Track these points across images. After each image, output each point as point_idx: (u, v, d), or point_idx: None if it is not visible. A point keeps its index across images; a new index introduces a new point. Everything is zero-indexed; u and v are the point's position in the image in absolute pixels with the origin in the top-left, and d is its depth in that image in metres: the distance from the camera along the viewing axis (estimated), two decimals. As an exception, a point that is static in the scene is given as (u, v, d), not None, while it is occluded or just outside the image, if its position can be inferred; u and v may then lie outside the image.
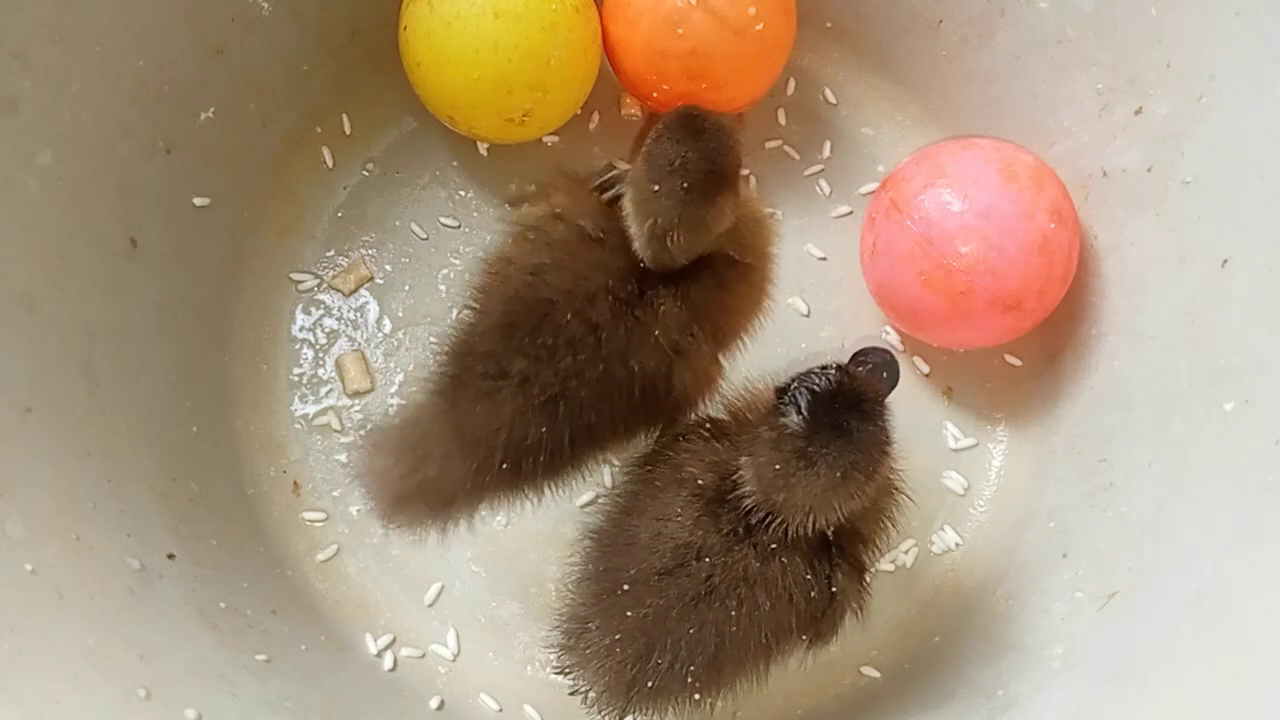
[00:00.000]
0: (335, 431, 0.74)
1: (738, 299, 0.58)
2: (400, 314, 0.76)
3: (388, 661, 0.70)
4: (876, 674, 0.69)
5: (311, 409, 0.75)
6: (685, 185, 0.52)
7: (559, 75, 0.70)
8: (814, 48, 0.80)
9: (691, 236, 0.53)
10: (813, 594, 0.54)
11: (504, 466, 0.54)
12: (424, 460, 0.55)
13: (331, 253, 0.77)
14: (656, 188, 0.53)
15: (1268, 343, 0.57)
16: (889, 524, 0.56)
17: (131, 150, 0.67)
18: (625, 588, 0.54)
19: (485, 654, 0.71)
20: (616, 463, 0.70)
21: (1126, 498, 0.63)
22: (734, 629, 0.53)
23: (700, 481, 0.54)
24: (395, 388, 0.75)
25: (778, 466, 0.50)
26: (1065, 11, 0.68)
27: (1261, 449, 0.55)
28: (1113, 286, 0.69)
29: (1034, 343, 0.73)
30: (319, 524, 0.73)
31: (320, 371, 0.75)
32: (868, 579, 0.57)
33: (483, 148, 0.79)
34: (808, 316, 0.77)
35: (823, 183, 0.79)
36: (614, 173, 0.57)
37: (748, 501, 0.52)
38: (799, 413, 0.50)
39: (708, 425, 0.57)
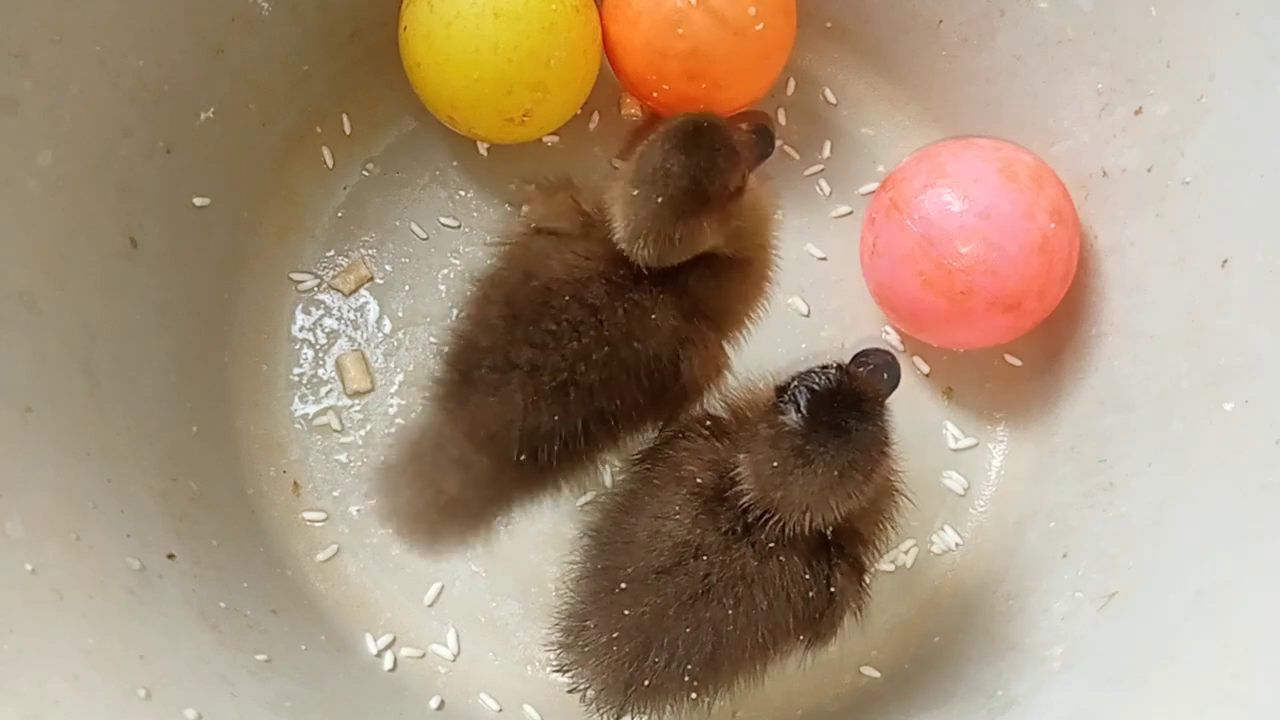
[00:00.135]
0: (335, 431, 0.74)
1: (735, 290, 0.58)
2: (400, 314, 0.76)
3: (388, 661, 0.70)
4: (876, 674, 0.69)
5: (311, 409, 0.75)
6: (660, 198, 0.52)
7: (559, 75, 0.70)
8: (814, 48, 0.80)
9: (661, 247, 0.53)
10: (811, 594, 0.54)
11: (521, 459, 0.54)
12: (443, 478, 0.55)
13: (331, 253, 0.77)
14: (635, 192, 0.53)
15: (1268, 343, 0.57)
16: (888, 525, 0.56)
17: (131, 150, 0.67)
18: (623, 586, 0.54)
19: (485, 654, 0.71)
20: (616, 463, 0.70)
21: (1126, 498, 0.63)
22: (731, 628, 0.53)
23: (699, 480, 0.54)
24: (395, 388, 0.75)
25: (775, 464, 0.50)
26: (1065, 11, 0.68)
27: (1261, 449, 0.55)
28: (1113, 286, 0.69)
29: (1034, 343, 0.73)
30: (319, 524, 0.73)
31: (320, 371, 0.75)
32: (867, 579, 0.57)
33: (483, 148, 0.79)
34: (808, 316, 0.77)
35: (823, 183, 0.79)
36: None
37: (745, 499, 0.52)
38: (798, 411, 0.50)
39: (707, 423, 0.57)
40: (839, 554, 0.55)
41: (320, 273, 0.77)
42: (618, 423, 0.56)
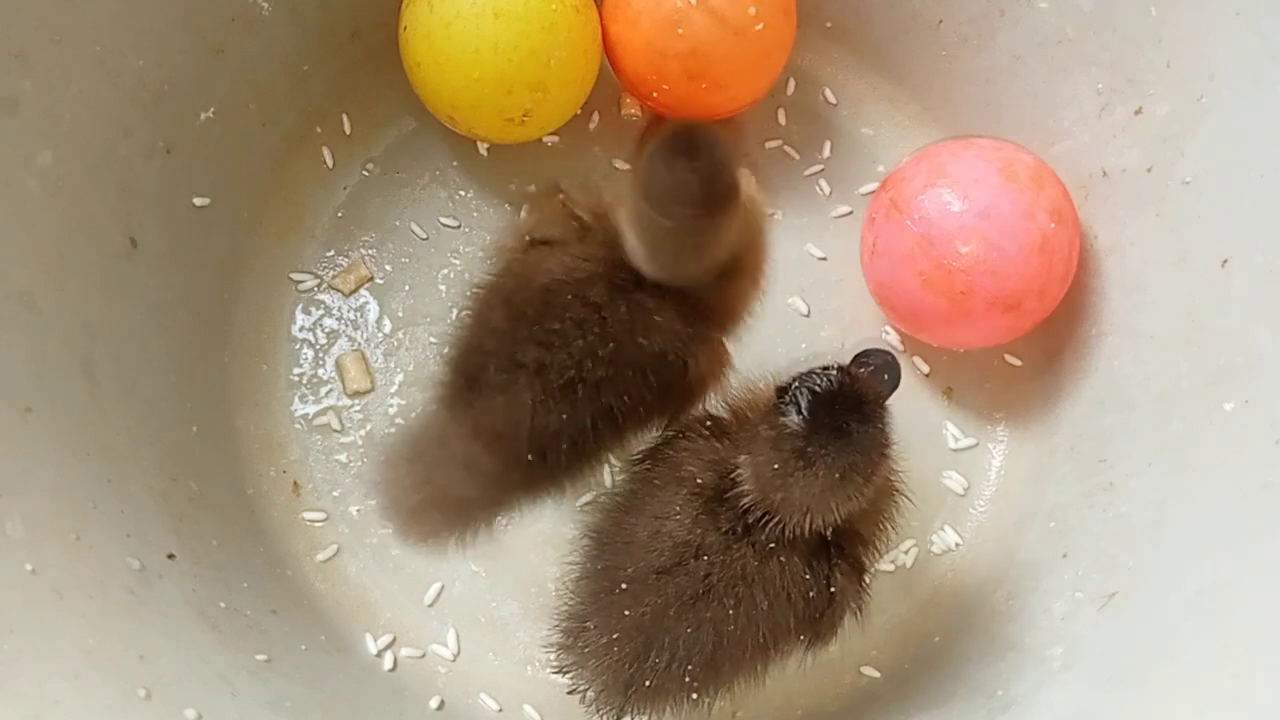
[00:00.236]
0: (335, 431, 0.74)
1: (734, 288, 0.58)
2: (400, 314, 0.76)
3: (388, 661, 0.70)
4: (876, 674, 0.69)
5: (311, 409, 0.75)
6: (684, 241, 0.52)
7: (559, 75, 0.70)
8: (814, 48, 0.80)
9: (687, 276, 0.54)
10: (811, 594, 0.54)
11: (530, 458, 0.54)
12: (450, 480, 0.55)
13: (331, 253, 0.77)
14: (650, 231, 0.52)
15: (1268, 343, 0.57)
16: (888, 525, 0.56)
17: (131, 150, 0.67)
18: (623, 586, 0.54)
19: (485, 654, 0.71)
20: (617, 463, 0.70)
21: (1126, 498, 0.63)
22: (732, 628, 0.53)
23: (699, 480, 0.54)
24: (395, 388, 0.75)
25: (776, 466, 0.50)
26: (1065, 11, 0.68)
27: (1261, 449, 0.55)
28: (1113, 286, 0.69)
29: (1034, 343, 0.73)
30: (319, 524, 0.73)
31: (320, 371, 0.75)
32: (867, 580, 0.57)
33: (483, 148, 0.79)
34: (808, 316, 0.77)
35: (823, 183, 0.79)
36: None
37: (745, 500, 0.52)
38: (799, 412, 0.50)
39: (708, 423, 0.57)
40: (839, 554, 0.55)
41: (320, 273, 0.77)
42: (625, 419, 0.55)
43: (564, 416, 0.53)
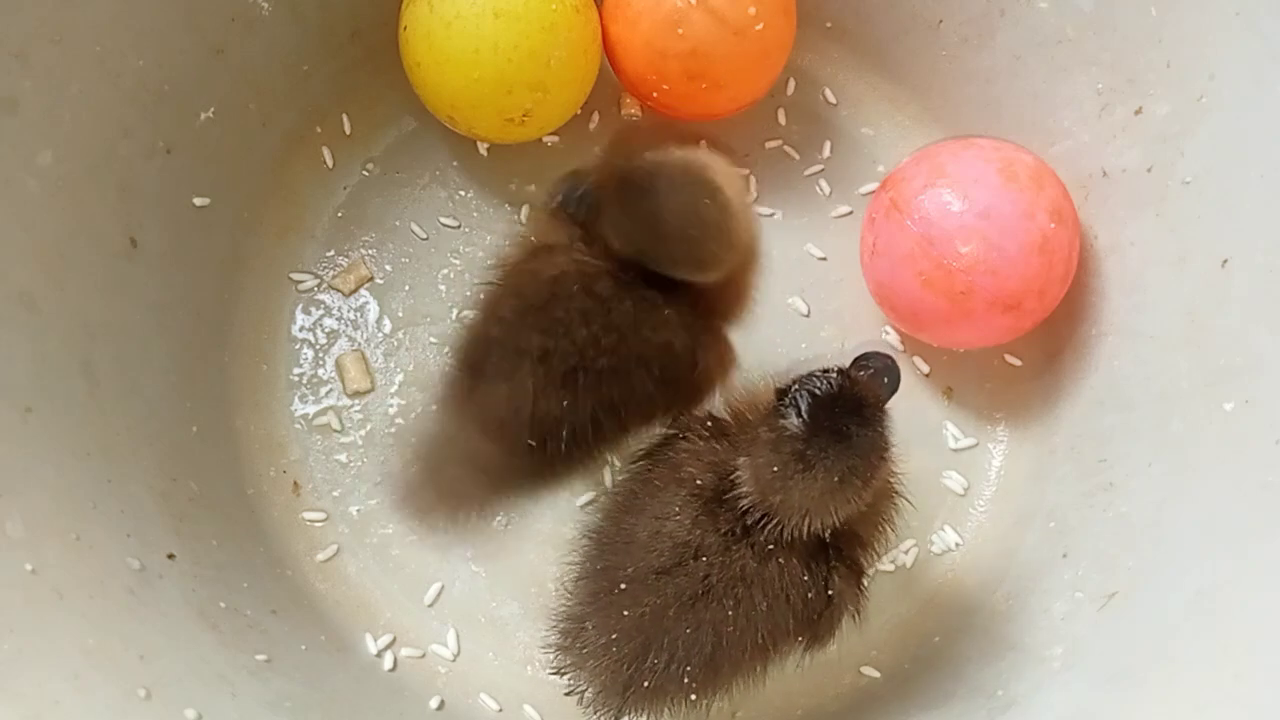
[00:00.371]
0: (335, 431, 0.74)
1: (734, 282, 0.58)
2: (400, 314, 0.76)
3: (388, 661, 0.70)
4: (876, 674, 0.69)
5: (311, 409, 0.75)
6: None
7: (559, 75, 0.70)
8: (814, 48, 0.80)
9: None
10: (809, 595, 0.54)
11: (531, 445, 0.54)
12: (453, 468, 0.56)
13: (331, 253, 0.77)
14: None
15: (1268, 343, 0.57)
16: (887, 528, 0.56)
17: (131, 150, 0.67)
18: (622, 587, 0.54)
19: (485, 654, 0.71)
20: (617, 463, 0.70)
21: (1126, 498, 0.63)
22: (730, 629, 0.53)
23: (699, 481, 0.54)
24: (395, 388, 0.75)
25: (775, 468, 0.50)
26: (1065, 11, 0.68)
27: (1261, 449, 0.55)
28: (1113, 286, 0.69)
29: (1034, 343, 0.73)
30: (319, 524, 0.73)
31: (320, 371, 0.75)
32: (865, 582, 0.57)
33: (483, 148, 0.79)
34: (808, 316, 0.77)
35: (823, 183, 0.79)
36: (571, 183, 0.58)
37: (744, 502, 0.52)
38: (799, 415, 0.50)
39: (708, 424, 0.57)
40: (837, 556, 0.55)
41: (320, 273, 0.77)
42: (627, 411, 0.56)
43: (565, 404, 0.54)
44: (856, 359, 0.56)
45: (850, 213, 0.78)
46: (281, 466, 0.74)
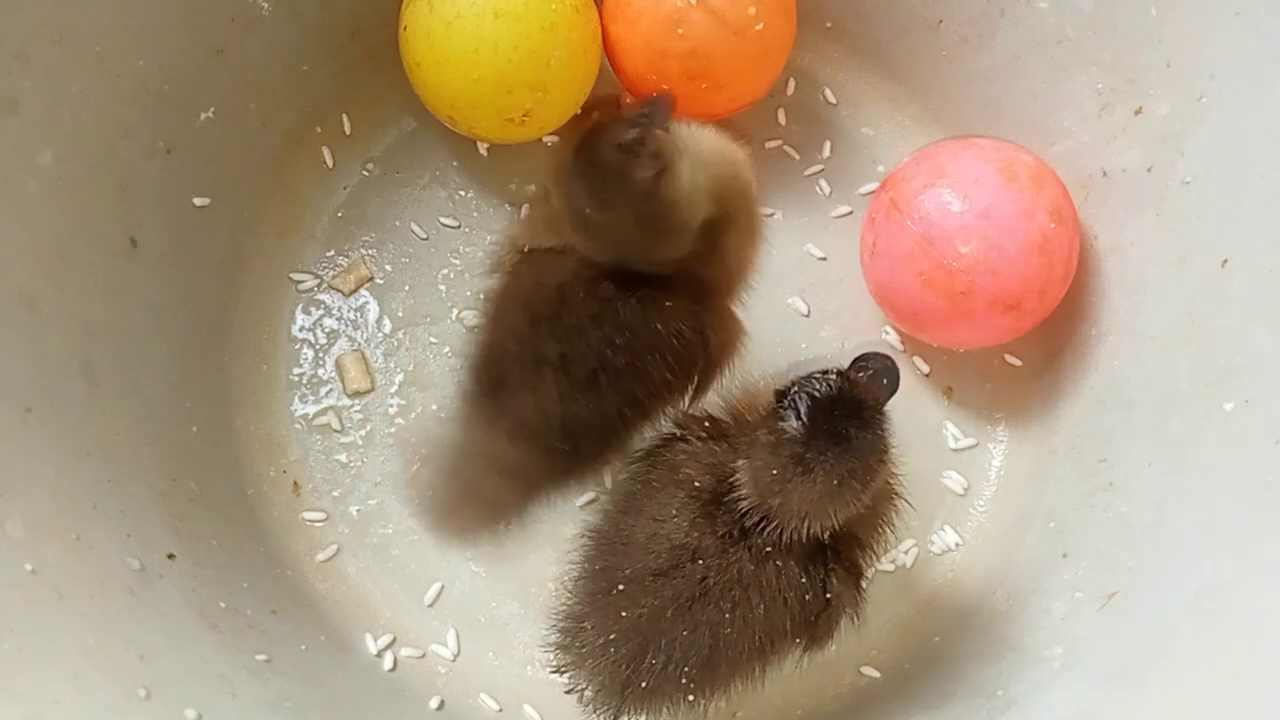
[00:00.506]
0: (335, 431, 0.74)
1: (732, 249, 0.59)
2: (400, 314, 0.76)
3: (388, 661, 0.70)
4: (876, 674, 0.69)
5: (311, 409, 0.75)
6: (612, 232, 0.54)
7: (559, 75, 0.70)
8: (814, 48, 0.80)
9: (652, 263, 0.55)
10: (807, 597, 0.54)
11: (562, 449, 0.56)
12: (484, 480, 0.57)
13: (331, 253, 0.77)
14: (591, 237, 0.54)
15: (1268, 343, 0.57)
16: (886, 529, 0.56)
17: (131, 150, 0.67)
18: (621, 587, 0.54)
19: (485, 654, 0.71)
20: (617, 463, 0.70)
21: (1126, 498, 0.63)
22: (728, 631, 0.53)
23: (697, 483, 0.54)
24: (395, 388, 0.75)
25: (775, 471, 0.50)
26: (1065, 11, 0.68)
27: (1261, 449, 0.55)
28: (1113, 286, 0.68)
29: (1034, 343, 0.73)
30: (319, 524, 0.73)
31: (320, 371, 0.75)
32: (864, 584, 0.57)
33: (483, 148, 0.79)
34: (808, 316, 0.77)
35: (823, 183, 0.79)
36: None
37: (743, 504, 0.52)
38: (798, 418, 0.50)
39: (705, 424, 0.57)
40: (835, 558, 0.55)
41: (320, 273, 0.77)
42: (650, 401, 0.57)
43: (591, 406, 0.55)
44: (855, 360, 0.56)
45: (850, 213, 0.78)
46: (281, 466, 0.74)
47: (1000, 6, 0.71)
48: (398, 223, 0.78)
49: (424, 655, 0.70)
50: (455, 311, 0.76)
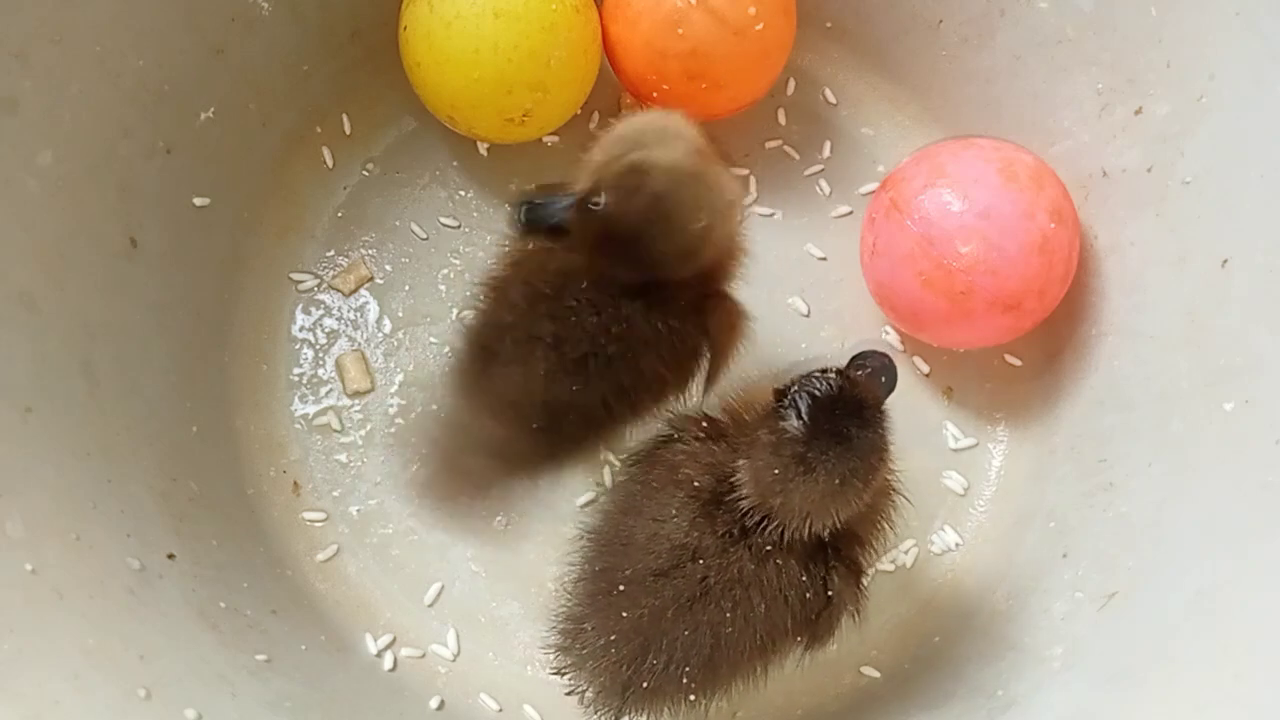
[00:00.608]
0: (335, 431, 0.74)
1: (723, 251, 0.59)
2: (400, 314, 0.76)
3: (388, 661, 0.70)
4: (876, 674, 0.69)
5: (311, 409, 0.75)
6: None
7: (559, 75, 0.70)
8: (814, 48, 0.80)
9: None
10: (807, 596, 0.54)
11: (542, 427, 0.55)
12: (467, 451, 0.57)
13: (331, 253, 0.77)
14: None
15: (1268, 343, 0.57)
16: (886, 527, 0.56)
17: (131, 150, 0.67)
18: (621, 588, 0.54)
19: (485, 654, 0.71)
20: (617, 463, 0.70)
21: (1126, 498, 0.63)
22: (729, 630, 0.53)
23: (696, 483, 0.54)
24: (395, 388, 0.75)
25: (776, 471, 0.50)
26: (1065, 11, 0.68)
27: (1261, 449, 0.55)
28: (1113, 286, 0.69)
29: (1034, 343, 0.73)
30: (319, 524, 0.73)
31: (320, 371, 0.75)
32: (865, 582, 0.57)
33: (483, 148, 0.79)
34: (808, 316, 0.77)
35: (823, 183, 0.79)
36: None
37: (744, 504, 0.52)
38: (799, 417, 0.50)
39: (704, 425, 0.57)
40: (836, 556, 0.55)
41: (320, 273, 0.77)
42: (638, 395, 0.57)
43: (575, 389, 0.55)
44: (853, 358, 0.56)
45: (850, 213, 0.78)
46: (281, 466, 0.74)
47: (1000, 6, 0.71)
48: (398, 223, 0.78)
49: (424, 655, 0.70)
50: (455, 311, 0.76)
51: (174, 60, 0.68)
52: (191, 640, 0.61)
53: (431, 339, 0.76)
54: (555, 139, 0.79)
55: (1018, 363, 0.75)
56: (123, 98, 0.65)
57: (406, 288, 0.77)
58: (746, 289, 0.61)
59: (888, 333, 0.76)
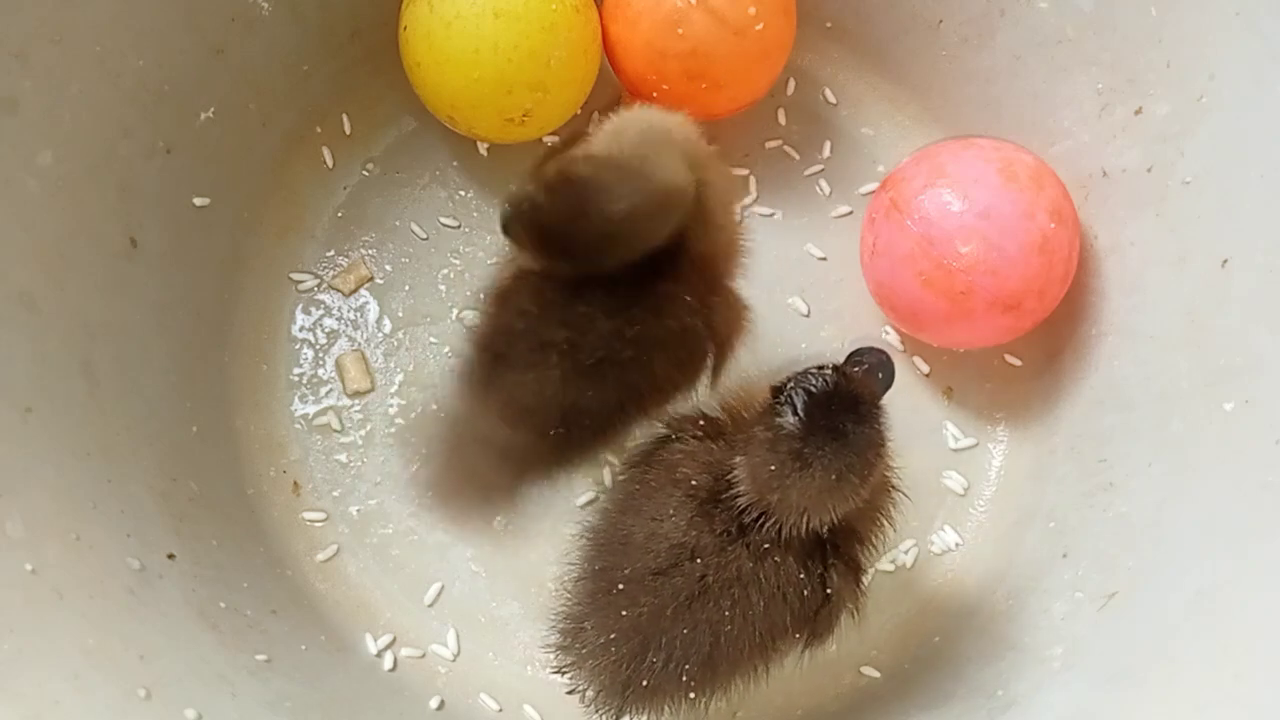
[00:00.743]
0: (335, 431, 0.74)
1: (720, 214, 0.59)
2: (400, 314, 0.76)
3: (388, 661, 0.70)
4: (876, 674, 0.69)
5: (311, 409, 0.75)
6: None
7: (559, 75, 0.70)
8: (814, 48, 0.80)
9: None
10: (806, 593, 0.54)
11: (557, 433, 0.55)
12: (474, 453, 0.57)
13: (331, 253, 0.77)
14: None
15: (1268, 343, 0.57)
16: (886, 523, 0.56)
17: (131, 150, 0.67)
18: (620, 587, 0.54)
19: (485, 654, 0.71)
20: (616, 463, 0.70)
21: (1126, 498, 0.63)
22: (728, 628, 0.53)
23: (694, 482, 0.54)
24: (395, 388, 0.75)
25: (773, 467, 0.50)
26: (1065, 11, 0.68)
27: (1261, 449, 0.55)
28: (1113, 286, 0.69)
29: (1034, 343, 0.73)
30: (319, 524, 0.73)
31: (320, 371, 0.75)
32: (864, 579, 0.57)
33: (483, 148, 0.79)
34: (808, 316, 0.77)
35: (823, 183, 0.79)
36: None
37: (741, 501, 0.52)
38: (795, 414, 0.50)
39: (702, 423, 0.57)
40: (835, 553, 0.55)
41: (320, 273, 0.77)
42: (650, 395, 0.57)
43: (592, 394, 0.54)
44: (850, 355, 0.56)
45: (850, 213, 0.78)
46: (281, 466, 0.74)
47: (1000, 6, 0.71)
48: (398, 223, 0.78)
49: (424, 655, 0.70)
50: (455, 311, 0.76)
51: (174, 60, 0.68)
52: (191, 640, 0.61)
53: (431, 339, 0.76)
54: (555, 139, 0.78)
55: (1018, 363, 0.75)
56: (123, 98, 0.65)
57: (406, 288, 0.77)
58: (747, 289, 0.61)
59: (888, 333, 0.76)
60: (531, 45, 0.68)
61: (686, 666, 0.53)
